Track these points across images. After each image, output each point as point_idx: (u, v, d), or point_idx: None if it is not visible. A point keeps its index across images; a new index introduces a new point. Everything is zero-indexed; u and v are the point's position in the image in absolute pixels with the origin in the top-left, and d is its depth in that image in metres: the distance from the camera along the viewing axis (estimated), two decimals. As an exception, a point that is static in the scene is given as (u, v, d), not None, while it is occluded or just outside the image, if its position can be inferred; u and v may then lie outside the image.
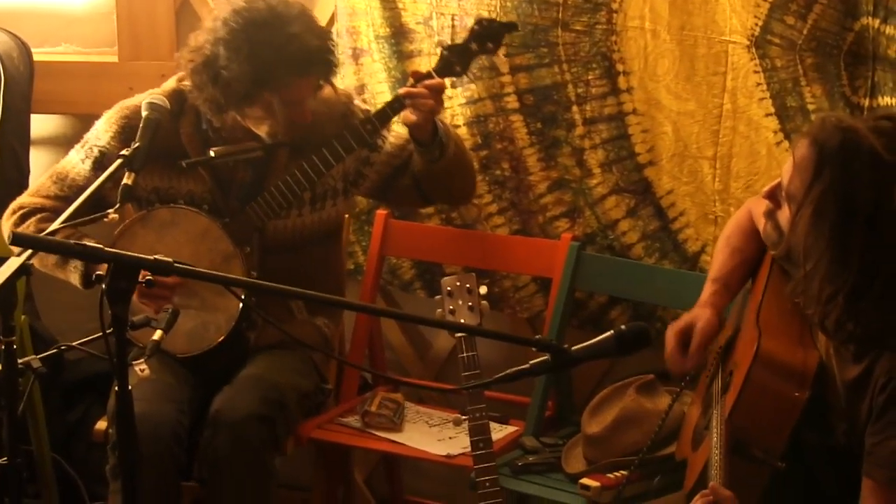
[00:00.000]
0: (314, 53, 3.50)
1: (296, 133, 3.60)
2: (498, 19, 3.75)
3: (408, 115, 3.58)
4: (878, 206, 2.52)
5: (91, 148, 3.67)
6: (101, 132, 3.67)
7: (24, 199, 3.70)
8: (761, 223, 2.86)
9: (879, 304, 2.55)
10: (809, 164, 2.59)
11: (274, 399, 3.48)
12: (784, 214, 2.69)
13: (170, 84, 3.69)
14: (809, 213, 2.58)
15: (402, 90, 3.63)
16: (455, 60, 3.66)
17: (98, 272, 3.47)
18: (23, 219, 3.63)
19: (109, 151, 3.63)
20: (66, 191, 3.65)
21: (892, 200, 2.51)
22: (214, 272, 3.21)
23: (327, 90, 3.72)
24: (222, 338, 3.54)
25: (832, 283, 2.57)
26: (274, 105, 3.54)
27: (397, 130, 3.75)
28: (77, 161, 3.69)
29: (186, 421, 3.50)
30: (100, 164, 3.64)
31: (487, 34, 3.67)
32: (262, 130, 3.59)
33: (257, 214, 3.60)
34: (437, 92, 3.57)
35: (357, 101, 3.77)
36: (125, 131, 3.62)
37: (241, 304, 3.48)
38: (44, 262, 3.56)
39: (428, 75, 3.61)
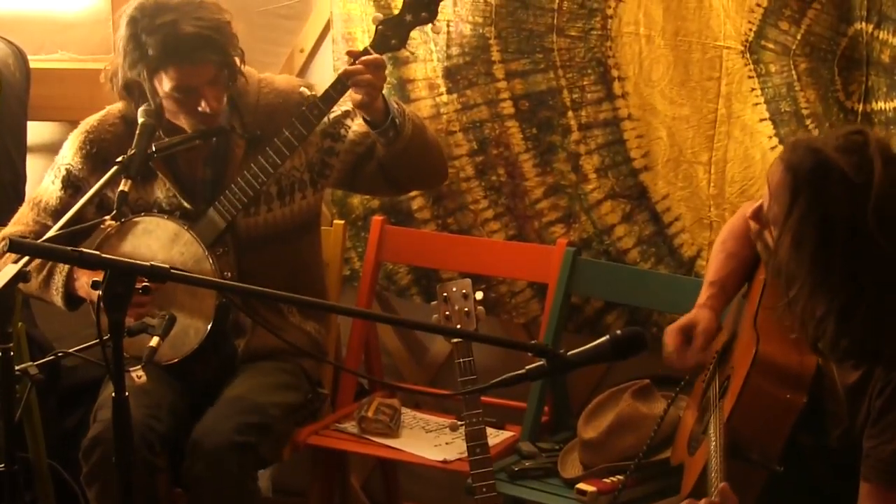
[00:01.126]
0: (184, 40, 3.46)
1: (212, 123, 3.57)
2: None
3: (353, 95, 3.55)
4: (855, 228, 2.52)
5: (59, 168, 3.71)
6: (66, 151, 3.72)
7: (6, 230, 3.74)
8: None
9: (870, 320, 2.55)
10: (785, 191, 2.60)
11: (255, 423, 3.46)
12: (770, 235, 2.70)
13: (120, 105, 3.71)
14: (788, 240, 2.58)
15: (341, 71, 3.62)
16: (391, 34, 3.59)
17: (80, 293, 3.53)
18: (5, 245, 3.66)
19: (74, 168, 3.68)
20: (43, 215, 3.69)
21: (867, 220, 2.51)
22: (213, 279, 3.24)
23: (281, 81, 3.74)
24: (202, 339, 3.53)
25: (819, 307, 2.57)
26: (171, 96, 3.53)
27: (361, 121, 3.73)
28: (48, 184, 3.73)
29: (162, 427, 3.48)
30: (67, 181, 3.68)
31: (420, 4, 3.60)
32: (182, 123, 3.57)
33: (223, 212, 3.59)
34: (376, 67, 3.50)
35: (303, 89, 3.72)
36: (86, 146, 3.67)
37: (216, 305, 3.48)
38: (27, 287, 3.57)
39: (365, 52, 3.56)
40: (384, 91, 3.56)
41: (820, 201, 2.55)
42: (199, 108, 3.52)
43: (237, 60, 3.60)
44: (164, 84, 3.50)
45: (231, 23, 3.58)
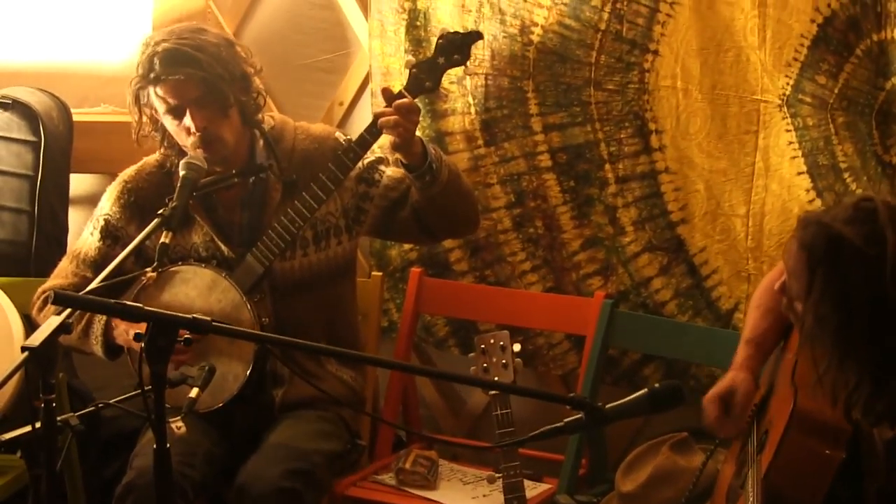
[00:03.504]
0: (162, 56, 3.50)
1: (219, 153, 3.60)
2: (461, 31, 3.69)
3: (388, 137, 3.59)
4: (875, 299, 2.52)
5: (97, 219, 3.74)
6: (105, 203, 3.76)
7: (46, 284, 3.77)
8: None
9: None
10: (802, 269, 2.60)
11: (300, 469, 3.46)
12: (798, 308, 2.69)
13: (156, 155, 3.76)
14: (811, 319, 2.58)
15: (375, 112, 3.64)
16: (424, 76, 3.62)
17: (119, 342, 3.55)
18: (45, 302, 3.69)
19: (112, 218, 3.71)
20: (82, 266, 3.72)
21: (885, 290, 2.51)
22: (252, 331, 3.26)
23: (316, 127, 3.78)
24: (241, 384, 3.55)
25: (850, 377, 2.56)
26: (169, 122, 3.58)
27: (396, 168, 3.75)
28: (87, 236, 3.76)
29: (197, 474, 3.48)
30: (105, 232, 3.72)
31: (452, 46, 3.64)
32: (188, 145, 3.59)
33: (260, 258, 3.62)
34: (408, 111, 3.51)
35: (338, 134, 3.76)
36: (123, 195, 3.71)
37: (254, 350, 3.50)
38: (68, 339, 3.60)
39: (399, 95, 3.60)
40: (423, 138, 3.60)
41: (837, 278, 2.55)
42: (191, 132, 3.56)
43: (245, 94, 3.63)
44: (158, 107, 3.57)
45: (236, 51, 3.62)
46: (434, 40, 3.84)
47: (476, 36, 3.70)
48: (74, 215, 4.41)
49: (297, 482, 3.44)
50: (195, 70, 3.52)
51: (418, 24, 4.06)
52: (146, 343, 2.29)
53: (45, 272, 3.83)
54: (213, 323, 2.33)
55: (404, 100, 3.55)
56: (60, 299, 2.41)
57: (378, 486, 3.83)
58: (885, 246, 2.52)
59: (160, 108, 3.57)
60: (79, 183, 4.50)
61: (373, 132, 3.60)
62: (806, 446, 2.71)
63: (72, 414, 2.81)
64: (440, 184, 3.58)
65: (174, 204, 3.37)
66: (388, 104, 3.54)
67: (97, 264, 3.65)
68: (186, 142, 3.59)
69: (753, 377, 3.00)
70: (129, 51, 4.54)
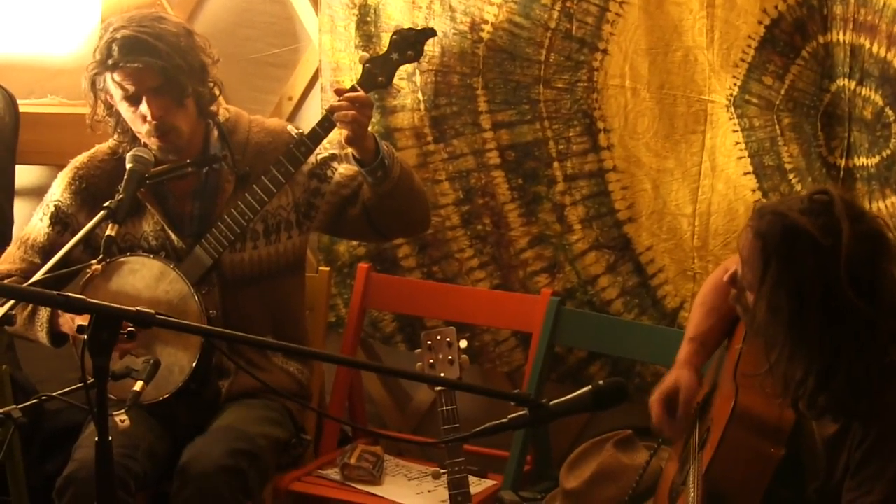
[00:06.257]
0: (121, 42, 3.50)
1: (175, 143, 3.60)
2: (416, 28, 3.76)
3: (341, 130, 3.59)
4: (828, 290, 2.54)
5: (48, 205, 3.73)
6: (55, 189, 3.74)
7: None
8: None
9: (847, 379, 2.57)
10: (756, 258, 2.62)
11: (244, 449, 3.46)
12: (749, 298, 2.71)
13: (109, 142, 3.74)
14: (764, 307, 2.60)
15: (328, 106, 3.65)
16: (377, 72, 3.66)
17: (64, 329, 3.53)
18: None
19: (62, 204, 3.70)
20: (30, 252, 3.70)
21: (839, 281, 2.53)
22: (197, 325, 3.24)
23: (271, 121, 3.79)
24: (187, 376, 3.53)
25: (799, 369, 2.59)
26: (125, 109, 3.58)
27: (348, 165, 3.76)
28: (36, 221, 3.74)
29: (138, 467, 3.46)
30: (55, 218, 3.70)
31: (406, 43, 3.68)
32: (151, 146, 3.59)
33: (210, 249, 3.61)
34: (362, 105, 3.54)
35: (291, 127, 3.77)
36: (74, 182, 3.70)
37: (200, 342, 3.49)
38: (12, 326, 3.57)
39: (352, 89, 3.61)
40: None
41: (791, 268, 2.57)
42: (147, 120, 3.54)
43: (202, 84, 3.63)
44: (114, 94, 3.56)
45: (194, 41, 3.62)
46: (385, 36, 3.86)
47: (430, 33, 3.72)
48: (20, 207, 4.38)
49: (242, 461, 3.43)
50: (154, 59, 3.51)
51: (369, 19, 4.06)
52: (89, 336, 2.27)
53: (-9, 263, 3.80)
54: (158, 316, 2.32)
55: (358, 93, 3.56)
56: (1, 291, 2.39)
57: (323, 481, 3.83)
58: (839, 237, 2.54)
59: (116, 94, 3.56)
60: (25, 174, 4.47)
61: (325, 126, 3.61)
62: (746, 443, 2.73)
63: (14, 406, 2.79)
64: (392, 180, 3.59)
65: (120, 196, 3.37)
66: (340, 98, 3.55)
67: (45, 250, 3.64)
68: (141, 129, 3.57)
69: (696, 374, 3.02)
70: (77, 43, 4.53)
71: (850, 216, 2.57)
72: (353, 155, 3.61)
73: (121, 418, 2.81)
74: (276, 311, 3.75)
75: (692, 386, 2.99)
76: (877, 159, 3.38)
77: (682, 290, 3.79)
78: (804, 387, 2.59)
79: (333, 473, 3.85)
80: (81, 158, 3.75)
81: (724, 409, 2.78)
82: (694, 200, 3.72)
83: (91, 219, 3.37)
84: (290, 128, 3.76)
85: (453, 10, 3.94)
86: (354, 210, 3.72)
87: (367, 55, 3.77)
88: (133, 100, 3.55)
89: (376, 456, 3.86)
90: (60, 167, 3.80)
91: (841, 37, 3.41)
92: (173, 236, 3.64)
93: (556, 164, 3.91)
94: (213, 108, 3.69)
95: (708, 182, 3.69)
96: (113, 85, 3.55)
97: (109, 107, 3.62)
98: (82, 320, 2.31)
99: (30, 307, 3.60)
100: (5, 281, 3.62)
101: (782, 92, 3.54)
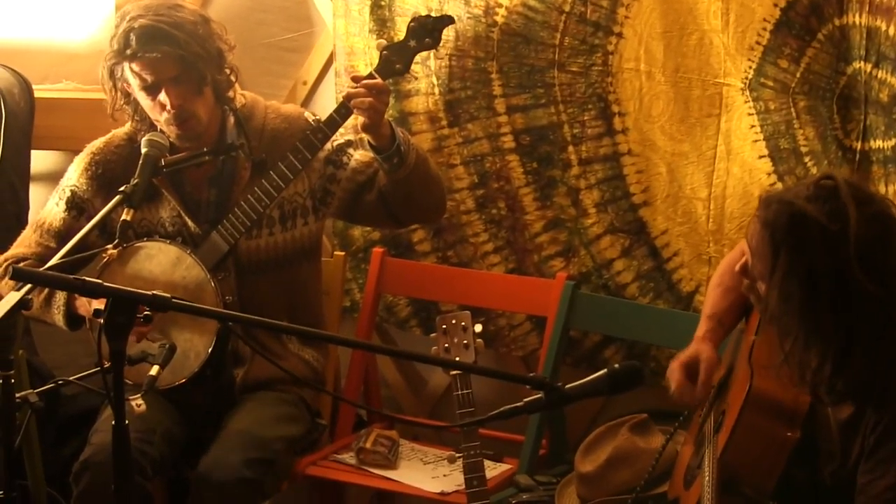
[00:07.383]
0: (139, 32, 3.50)
1: (194, 131, 3.60)
2: (433, 15, 3.74)
3: (357, 117, 3.58)
4: (839, 275, 2.54)
5: (64, 190, 3.74)
6: (72, 173, 3.76)
7: (8, 252, 3.76)
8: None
9: (863, 363, 2.57)
10: (765, 248, 2.61)
11: (261, 458, 3.47)
12: (761, 288, 2.71)
13: (126, 127, 3.74)
14: (776, 296, 2.59)
15: (344, 93, 3.64)
16: (395, 59, 3.65)
17: (81, 312, 3.54)
18: (6, 272, 3.67)
19: (78, 189, 3.71)
20: (46, 236, 3.72)
21: (850, 266, 2.53)
22: (213, 308, 3.25)
23: (287, 107, 3.79)
24: (203, 362, 3.54)
25: (814, 356, 2.58)
26: (144, 99, 3.58)
27: (364, 151, 3.76)
28: (52, 206, 3.75)
29: (155, 451, 3.48)
30: (71, 203, 3.72)
31: (424, 30, 3.67)
32: (171, 135, 3.59)
33: (226, 235, 3.62)
34: (379, 91, 3.53)
35: (308, 114, 3.77)
36: (91, 167, 3.71)
37: (217, 328, 3.49)
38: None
39: (369, 76, 3.61)
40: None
41: (801, 255, 2.56)
42: (166, 109, 3.55)
43: (220, 72, 3.63)
44: (133, 83, 3.56)
45: (211, 28, 3.62)
46: (399, 20, 3.86)
47: (447, 20, 3.72)
48: (35, 192, 4.39)
49: (258, 471, 3.44)
50: (172, 48, 3.51)
51: (383, 3, 4.05)
52: (105, 319, 2.28)
53: (4, 248, 3.81)
54: (174, 300, 2.33)
55: (376, 80, 3.55)
56: (19, 275, 2.40)
57: (338, 465, 3.84)
58: (847, 221, 2.54)
59: (135, 84, 3.56)
60: (40, 160, 4.48)
61: (342, 113, 3.61)
62: (761, 426, 2.73)
63: (31, 391, 2.81)
64: (407, 167, 3.59)
65: (136, 181, 3.37)
66: (356, 85, 3.54)
67: (61, 235, 3.65)
68: (160, 117, 3.58)
69: (715, 348, 3.02)
70: (92, 28, 4.53)
71: (856, 200, 2.56)
72: (368, 142, 3.61)
73: (137, 403, 2.82)
74: (293, 298, 3.76)
75: (713, 358, 2.99)
76: (893, 142, 3.37)
77: (697, 274, 3.78)
78: (821, 373, 2.59)
79: (349, 458, 3.85)
80: (98, 143, 3.76)
81: (740, 392, 2.77)
82: (709, 184, 3.72)
83: (107, 204, 3.38)
84: (307, 114, 3.76)
85: (468, -7, 3.94)
86: (370, 196, 3.72)
87: (383, 41, 3.76)
88: (152, 89, 3.55)
89: (392, 440, 3.86)
90: (75, 152, 3.81)
91: (857, 19, 3.39)
92: (190, 222, 3.65)
93: (570, 148, 3.91)
94: (230, 94, 3.69)
95: (723, 166, 3.69)
96: (131, 74, 3.55)
97: (127, 95, 3.63)
98: (99, 304, 2.31)
99: (46, 291, 3.61)
100: (21, 264, 3.63)
101: (798, 75, 3.53)
